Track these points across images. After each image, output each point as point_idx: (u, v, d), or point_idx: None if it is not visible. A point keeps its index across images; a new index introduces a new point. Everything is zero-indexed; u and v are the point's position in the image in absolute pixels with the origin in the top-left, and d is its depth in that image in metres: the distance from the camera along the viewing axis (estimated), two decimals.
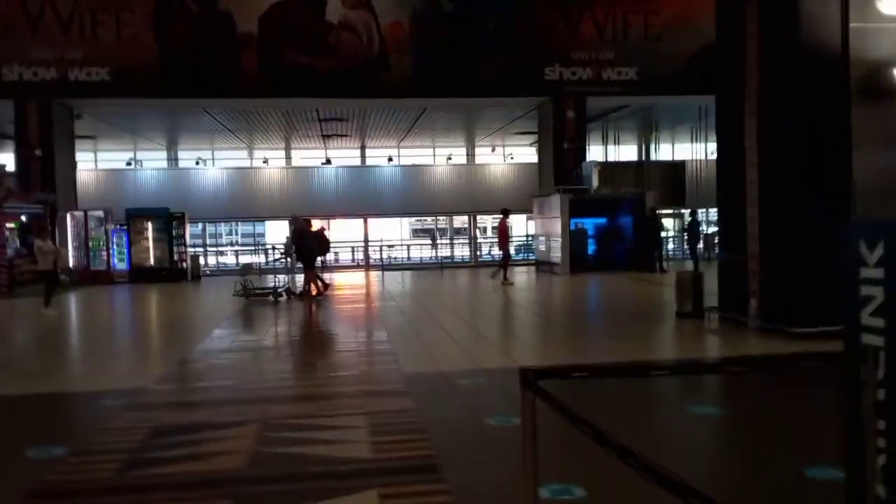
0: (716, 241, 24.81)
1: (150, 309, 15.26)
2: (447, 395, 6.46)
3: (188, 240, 21.76)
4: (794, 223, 8.72)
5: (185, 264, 20.88)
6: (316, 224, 17.88)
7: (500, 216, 17.76)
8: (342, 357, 8.50)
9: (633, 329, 10.18)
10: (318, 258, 16.53)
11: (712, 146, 33.67)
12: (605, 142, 29.32)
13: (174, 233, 20.81)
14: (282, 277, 15.58)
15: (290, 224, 16.42)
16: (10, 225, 18.43)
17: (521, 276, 20.36)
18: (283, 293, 15.01)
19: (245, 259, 29.13)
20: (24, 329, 12.14)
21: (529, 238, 35.56)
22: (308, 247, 15.16)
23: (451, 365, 7.72)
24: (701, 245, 21.09)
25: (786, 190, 8.84)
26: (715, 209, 21.99)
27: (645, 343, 9.14)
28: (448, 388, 6.70)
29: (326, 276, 17.39)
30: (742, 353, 8.16)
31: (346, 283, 19.90)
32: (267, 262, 31.67)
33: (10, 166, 21.17)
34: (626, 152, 32.51)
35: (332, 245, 19.39)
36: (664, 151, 33.51)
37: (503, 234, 17.66)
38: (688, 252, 20.21)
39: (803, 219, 8.64)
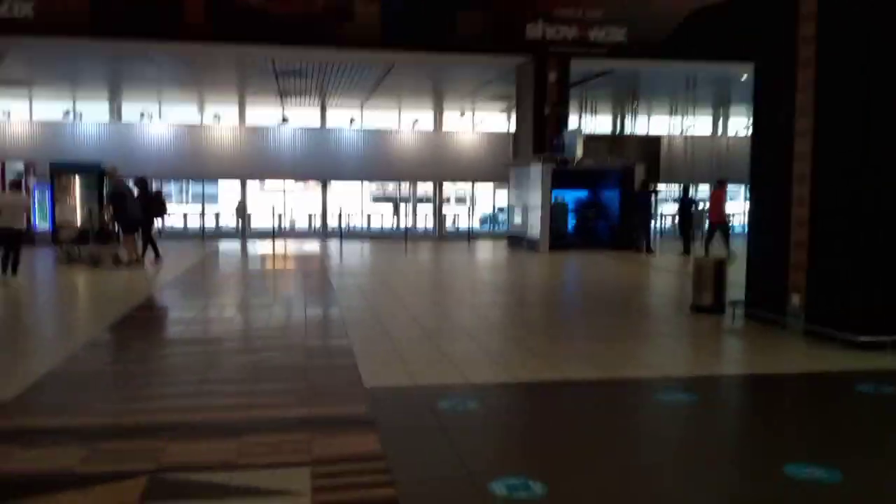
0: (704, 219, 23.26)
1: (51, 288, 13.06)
2: (427, 429, 4.57)
3: None
4: (861, 207, 6.95)
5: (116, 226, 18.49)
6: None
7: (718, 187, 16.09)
8: (281, 360, 6.52)
9: (648, 328, 8.41)
10: (157, 222, 15.92)
11: (693, 120, 32.39)
12: (581, 110, 27.55)
13: (105, 191, 18.39)
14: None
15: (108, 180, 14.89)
16: None
17: (495, 253, 18.52)
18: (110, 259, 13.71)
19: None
20: None
21: (498, 210, 33.76)
22: (125, 208, 13.58)
23: (430, 376, 5.82)
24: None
25: (851, 165, 7.05)
26: (697, 186, 20.54)
27: (671, 349, 7.33)
28: (428, 415, 4.80)
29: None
30: (804, 367, 6.38)
31: (300, 254, 17.84)
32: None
33: None
34: (600, 123, 30.87)
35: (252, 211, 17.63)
36: (638, 124, 31.99)
37: (719, 203, 15.84)
38: (679, 232, 18.48)
39: (874, 202, 6.88)
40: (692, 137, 29.84)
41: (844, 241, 7.09)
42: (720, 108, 31.22)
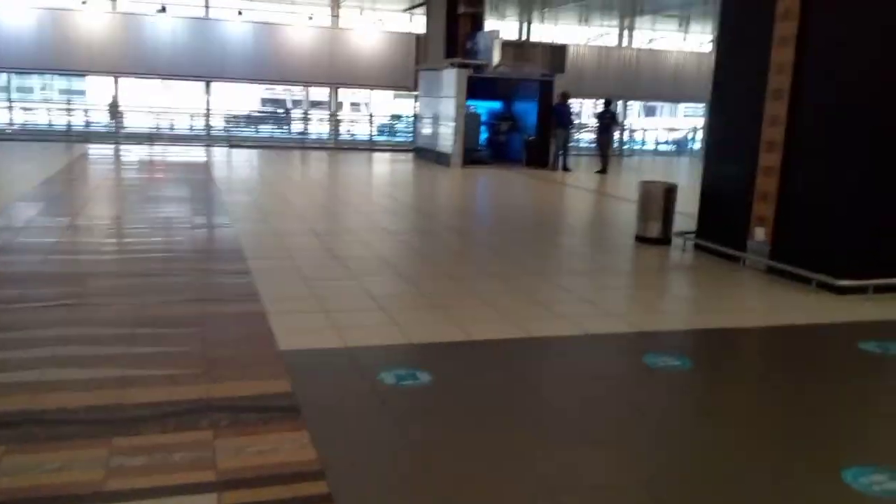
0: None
1: None
2: (373, 420, 3.41)
3: None
4: (857, 132, 6.10)
5: None
6: None
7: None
8: (166, 308, 5.14)
9: (596, 264, 7.48)
10: None
11: (602, 30, 31.47)
12: (489, 14, 25.95)
13: None
14: None
15: None
16: None
17: (401, 167, 17.18)
18: None
19: None
20: None
21: (393, 119, 32.11)
22: None
23: (361, 332, 4.62)
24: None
25: (844, 76, 6.16)
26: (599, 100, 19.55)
27: (631, 293, 6.43)
28: (369, 396, 3.64)
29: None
30: (791, 317, 5.52)
31: (182, 162, 15.90)
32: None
33: None
34: (506, 29, 29.44)
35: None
36: (540, 32, 30.62)
37: None
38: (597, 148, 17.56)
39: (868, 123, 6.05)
40: (601, 48, 28.95)
41: (826, 168, 6.28)
42: (626, 19, 30.35)
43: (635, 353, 4.50)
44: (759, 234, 6.93)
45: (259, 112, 30.21)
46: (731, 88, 7.47)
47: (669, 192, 8.02)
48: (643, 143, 30.22)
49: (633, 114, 39.10)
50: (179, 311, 4.91)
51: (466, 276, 6.41)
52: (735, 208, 7.23)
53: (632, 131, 29.98)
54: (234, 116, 27.50)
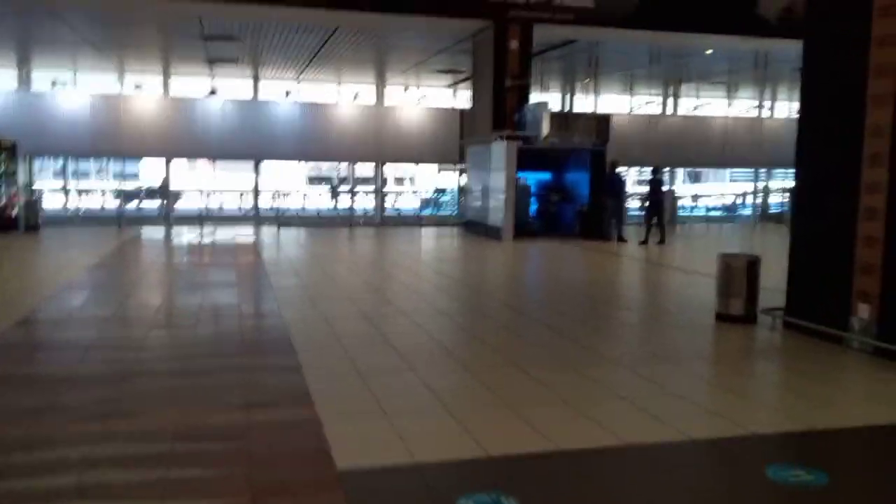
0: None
1: None
2: None
3: (21, 178, 16.83)
4: None
5: (13, 211, 16.00)
6: None
7: None
8: (208, 415, 4.62)
9: (678, 348, 6.74)
10: None
11: (647, 98, 31.16)
12: (537, 86, 25.83)
13: (1, 169, 15.90)
14: None
15: None
16: None
17: (452, 242, 16.74)
18: None
19: None
20: None
21: (437, 193, 31.93)
22: None
23: (429, 442, 4.02)
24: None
25: None
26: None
27: (727, 383, 5.74)
28: None
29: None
30: None
31: (231, 243, 15.69)
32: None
33: None
34: (549, 99, 29.25)
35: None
36: (583, 101, 30.38)
37: None
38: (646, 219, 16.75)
39: None
40: (644, 116, 28.57)
41: None
42: (671, 87, 29.99)
43: (753, 463, 3.79)
44: (863, 311, 6.19)
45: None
46: (819, 152, 6.86)
47: (753, 265, 7.34)
48: (692, 209, 29.46)
49: (677, 180, 38.36)
50: (223, 419, 4.36)
51: (535, 364, 5.75)
52: (831, 282, 6.53)
53: (679, 198, 29.27)
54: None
